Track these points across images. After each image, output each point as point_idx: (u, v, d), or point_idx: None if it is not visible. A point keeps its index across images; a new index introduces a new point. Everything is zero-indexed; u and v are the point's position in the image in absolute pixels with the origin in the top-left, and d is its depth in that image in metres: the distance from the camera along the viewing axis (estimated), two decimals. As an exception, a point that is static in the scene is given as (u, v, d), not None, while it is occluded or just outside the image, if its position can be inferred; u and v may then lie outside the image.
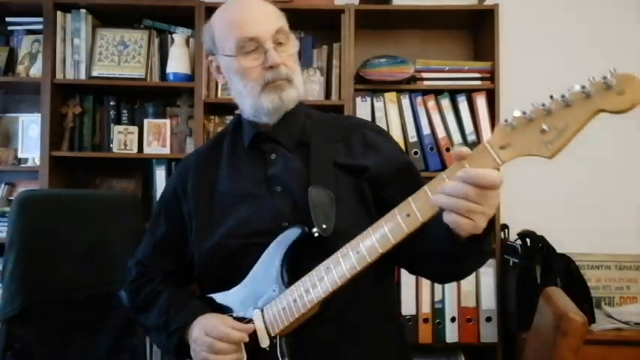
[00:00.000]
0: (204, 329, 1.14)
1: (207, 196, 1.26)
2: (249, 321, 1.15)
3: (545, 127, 0.86)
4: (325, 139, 1.25)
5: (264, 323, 1.12)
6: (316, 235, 1.11)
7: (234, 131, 1.33)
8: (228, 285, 1.21)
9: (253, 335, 1.13)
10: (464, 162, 0.91)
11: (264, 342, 1.12)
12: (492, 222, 0.97)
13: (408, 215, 0.96)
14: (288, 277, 1.12)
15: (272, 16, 1.22)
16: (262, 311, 1.13)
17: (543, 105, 0.86)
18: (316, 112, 1.35)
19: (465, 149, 0.93)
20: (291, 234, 1.14)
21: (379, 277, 1.20)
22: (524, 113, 0.88)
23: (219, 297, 1.23)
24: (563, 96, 0.85)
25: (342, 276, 1.03)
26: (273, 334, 1.11)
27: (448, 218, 0.91)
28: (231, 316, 1.18)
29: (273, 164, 1.24)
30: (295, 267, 1.13)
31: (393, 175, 1.21)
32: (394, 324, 1.29)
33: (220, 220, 1.22)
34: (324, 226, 1.11)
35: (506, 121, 0.89)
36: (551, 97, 0.86)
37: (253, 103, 1.21)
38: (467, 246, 0.97)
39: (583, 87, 0.84)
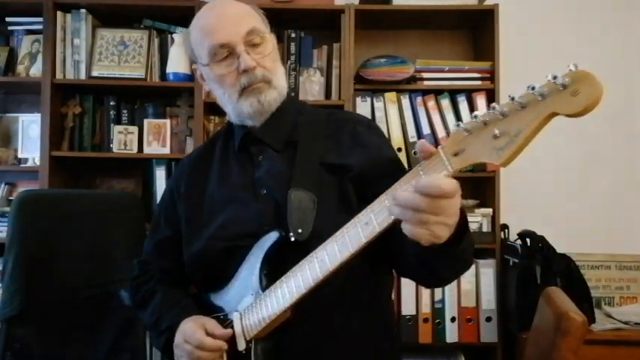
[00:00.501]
0: (184, 335, 1.14)
1: (198, 198, 1.26)
2: (230, 323, 1.15)
3: (497, 132, 0.79)
4: (314, 137, 1.23)
5: (242, 327, 1.13)
6: (292, 239, 1.10)
7: (227, 134, 1.33)
8: (217, 285, 1.22)
9: (233, 338, 1.13)
10: (419, 169, 0.89)
11: (241, 345, 1.12)
12: (465, 227, 0.94)
13: (367, 224, 0.94)
14: (266, 281, 1.12)
15: (242, 18, 1.20)
16: (241, 315, 1.14)
17: (494, 108, 0.80)
18: (311, 107, 1.33)
19: (429, 147, 0.89)
20: (269, 238, 1.13)
21: (367, 281, 1.18)
22: (474, 117, 0.82)
23: (213, 296, 1.24)
24: (512, 98, 0.79)
25: (307, 283, 1.01)
26: (248, 339, 1.11)
27: (405, 228, 0.87)
28: (217, 317, 1.18)
29: (260, 167, 1.23)
30: (275, 271, 1.11)
31: (377, 172, 1.16)
32: (381, 329, 1.24)
33: (208, 222, 1.22)
34: (299, 231, 1.10)
35: (458, 125, 0.84)
36: (512, 98, 0.79)
37: (233, 108, 1.22)
38: (435, 252, 0.93)
39: (532, 87, 0.77)
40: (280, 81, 1.23)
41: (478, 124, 0.82)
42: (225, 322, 1.17)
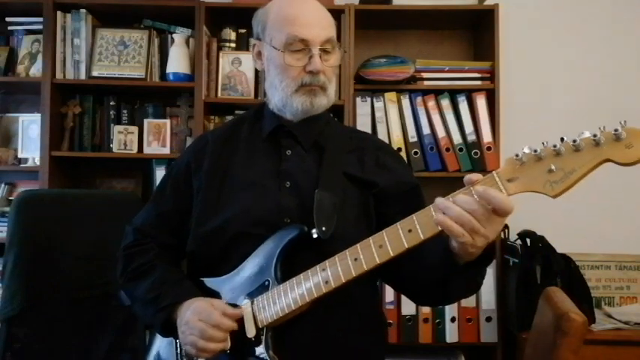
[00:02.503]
0: (197, 314, 1.14)
1: (219, 177, 1.27)
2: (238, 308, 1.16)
3: (553, 167, 0.90)
4: (339, 148, 1.29)
5: (253, 313, 1.13)
6: (315, 236, 1.14)
7: (255, 119, 1.35)
8: (219, 268, 1.22)
9: (240, 323, 1.14)
10: (470, 189, 0.94)
11: (251, 332, 1.13)
12: (491, 254, 1.01)
13: (410, 231, 0.99)
14: (281, 273, 1.14)
15: (328, 25, 1.28)
16: (252, 301, 1.15)
17: (555, 146, 0.89)
18: (336, 121, 1.40)
19: (477, 175, 0.96)
20: (291, 231, 1.16)
21: (368, 280, 1.23)
22: (534, 151, 0.91)
23: (209, 281, 1.24)
24: (574, 141, 0.88)
25: (337, 279, 1.06)
26: (260, 326, 1.13)
27: (454, 229, 0.93)
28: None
29: (288, 160, 1.26)
30: (289, 264, 1.15)
31: (399, 194, 1.25)
32: (378, 325, 1.31)
33: (226, 203, 1.23)
34: (323, 228, 1.13)
35: (517, 155, 0.92)
36: (562, 139, 0.90)
37: (284, 99, 1.25)
38: (461, 269, 1.01)
39: (594, 135, 0.87)
40: (332, 92, 1.30)
41: (532, 157, 0.91)
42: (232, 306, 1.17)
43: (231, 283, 1.20)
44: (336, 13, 2.40)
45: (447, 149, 2.37)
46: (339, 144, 1.30)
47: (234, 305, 1.17)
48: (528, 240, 2.31)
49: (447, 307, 2.30)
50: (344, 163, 1.26)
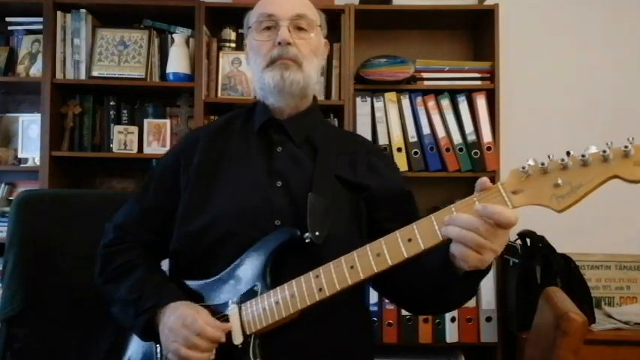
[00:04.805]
0: (182, 320, 1.08)
1: (209, 174, 1.22)
2: (224, 316, 1.11)
3: (559, 181, 0.88)
4: (332, 150, 1.25)
5: (241, 320, 1.09)
6: (307, 240, 1.10)
7: (248, 114, 1.32)
8: (204, 270, 1.17)
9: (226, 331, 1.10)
10: (473, 198, 0.93)
11: (238, 339, 1.09)
12: (490, 264, 0.99)
13: (410, 240, 0.97)
14: (270, 278, 1.10)
15: (298, 3, 1.25)
16: (240, 307, 1.10)
17: (562, 160, 0.88)
18: (329, 122, 1.39)
19: (488, 181, 0.94)
20: (283, 234, 1.12)
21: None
22: (542, 164, 0.90)
23: (193, 284, 1.18)
24: (583, 155, 0.87)
25: (332, 287, 1.03)
26: (248, 333, 1.09)
27: (456, 249, 0.92)
28: (206, 306, 1.13)
29: (279, 158, 1.22)
30: (279, 268, 1.11)
31: (391, 199, 1.23)
32: (367, 329, 1.30)
33: (214, 201, 1.19)
34: (317, 233, 1.10)
35: (523, 167, 0.91)
36: (568, 153, 0.88)
37: (258, 78, 1.24)
38: (462, 280, 0.99)
39: (604, 151, 0.86)
40: (310, 69, 1.24)
41: (538, 170, 0.90)
42: (217, 313, 1.12)
43: (218, 287, 1.15)
44: (336, 13, 2.41)
45: (447, 149, 2.37)
46: (332, 146, 1.26)
47: (221, 310, 1.12)
48: (528, 240, 2.31)
49: (447, 307, 2.30)
50: (336, 166, 1.23)
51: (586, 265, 2.49)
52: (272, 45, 1.20)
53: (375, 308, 2.28)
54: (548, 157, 0.89)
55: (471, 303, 2.31)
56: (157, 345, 1.16)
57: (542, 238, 2.29)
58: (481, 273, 1.00)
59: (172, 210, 1.23)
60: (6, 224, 2.00)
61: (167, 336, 1.10)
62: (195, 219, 1.19)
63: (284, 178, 1.19)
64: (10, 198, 2.51)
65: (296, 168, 1.21)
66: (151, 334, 1.15)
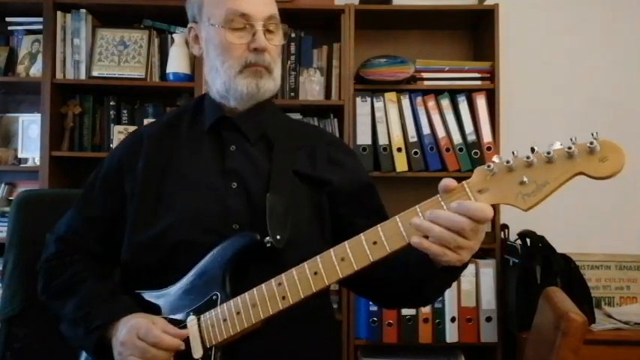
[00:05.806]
0: (135, 332, 1.01)
1: (157, 178, 1.14)
2: (182, 328, 1.05)
3: (525, 178, 0.86)
4: (289, 144, 1.18)
5: (200, 332, 1.03)
6: (268, 245, 1.03)
7: (195, 111, 1.23)
8: (159, 281, 1.10)
9: (185, 342, 1.03)
10: (439, 199, 0.90)
11: (198, 352, 1.02)
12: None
13: (375, 243, 0.93)
14: (230, 286, 1.04)
15: (270, 1, 1.17)
16: (199, 318, 1.04)
17: (527, 157, 0.85)
18: (283, 113, 1.29)
19: (451, 181, 0.91)
20: (241, 239, 1.05)
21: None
22: (507, 162, 0.87)
23: (148, 295, 1.11)
24: (548, 152, 0.84)
25: (296, 295, 0.97)
26: (208, 345, 1.02)
27: (434, 250, 0.88)
28: (165, 318, 1.07)
29: (232, 157, 1.15)
30: (239, 275, 1.05)
31: (353, 193, 1.17)
32: (334, 338, 1.27)
33: (165, 208, 1.11)
34: (278, 237, 1.03)
35: (488, 165, 0.88)
36: (533, 149, 0.86)
37: (227, 82, 1.14)
38: (441, 275, 0.96)
39: (569, 147, 0.84)
40: (278, 75, 1.19)
41: (503, 168, 0.87)
42: (174, 325, 1.05)
43: (174, 297, 1.07)
44: (336, 13, 2.42)
45: (447, 149, 2.37)
46: (289, 139, 1.19)
47: (179, 322, 1.05)
48: (528, 240, 2.31)
49: (447, 307, 2.29)
50: (294, 161, 1.15)
51: (586, 265, 2.49)
52: (246, 49, 1.12)
53: (375, 308, 2.28)
54: (513, 153, 0.87)
55: (471, 303, 2.31)
56: None
57: (542, 238, 2.29)
58: (458, 269, 0.96)
59: (119, 217, 1.16)
60: (6, 224, 2.00)
61: (121, 351, 1.02)
62: (145, 228, 1.11)
63: (239, 179, 1.12)
64: (10, 198, 2.51)
65: (251, 167, 1.14)
66: (104, 352, 1.07)
